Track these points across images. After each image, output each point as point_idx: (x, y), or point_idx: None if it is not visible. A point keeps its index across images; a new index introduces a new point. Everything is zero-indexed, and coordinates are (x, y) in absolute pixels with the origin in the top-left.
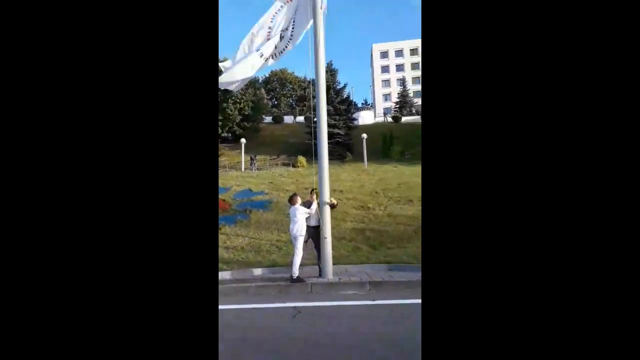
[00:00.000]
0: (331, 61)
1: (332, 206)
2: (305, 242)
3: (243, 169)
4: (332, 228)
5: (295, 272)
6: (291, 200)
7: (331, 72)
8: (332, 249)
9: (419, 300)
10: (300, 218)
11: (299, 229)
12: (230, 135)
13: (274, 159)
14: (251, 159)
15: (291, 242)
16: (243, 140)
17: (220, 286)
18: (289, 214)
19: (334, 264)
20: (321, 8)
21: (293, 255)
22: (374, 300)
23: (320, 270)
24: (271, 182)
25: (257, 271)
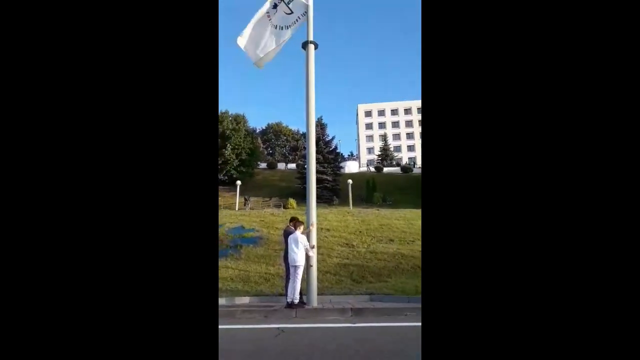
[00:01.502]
0: (321, 117)
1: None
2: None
3: (237, 209)
4: (318, 262)
5: (297, 296)
6: (295, 225)
7: (321, 126)
8: (317, 281)
9: (400, 324)
10: (300, 248)
11: (302, 258)
12: (226, 178)
13: (267, 200)
14: (245, 199)
15: (281, 275)
16: (239, 182)
17: None
18: (285, 240)
19: (318, 294)
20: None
21: (288, 282)
22: (354, 323)
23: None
24: (262, 220)
25: (245, 299)
